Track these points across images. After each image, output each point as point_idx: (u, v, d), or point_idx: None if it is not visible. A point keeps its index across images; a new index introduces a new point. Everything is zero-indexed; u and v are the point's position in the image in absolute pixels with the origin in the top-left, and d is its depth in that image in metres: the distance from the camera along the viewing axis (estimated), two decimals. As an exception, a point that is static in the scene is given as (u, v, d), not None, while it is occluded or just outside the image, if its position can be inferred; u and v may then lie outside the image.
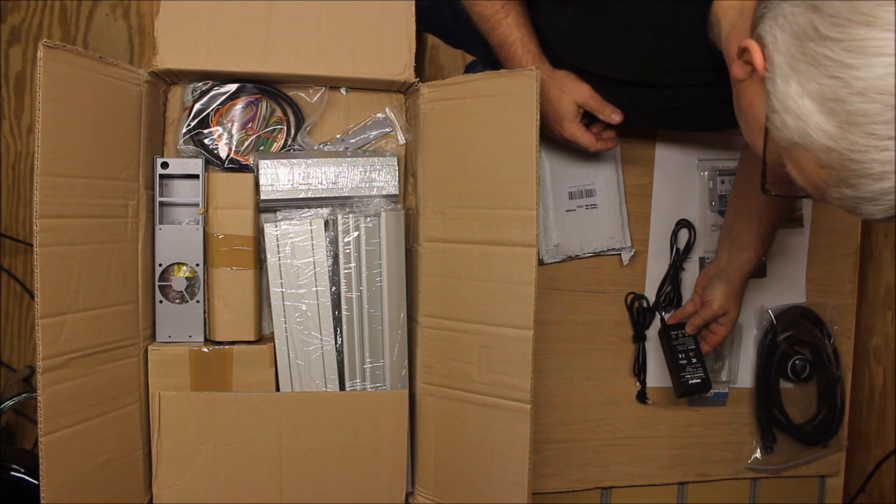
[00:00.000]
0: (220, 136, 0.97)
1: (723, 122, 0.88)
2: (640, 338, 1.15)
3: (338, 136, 1.02)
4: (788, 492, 1.24)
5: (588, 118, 1.00)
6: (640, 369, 1.16)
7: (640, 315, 1.15)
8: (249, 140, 0.99)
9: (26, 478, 1.14)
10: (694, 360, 1.09)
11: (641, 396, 1.16)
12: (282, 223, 0.95)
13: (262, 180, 0.96)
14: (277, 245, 0.95)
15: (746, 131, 0.70)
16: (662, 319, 1.14)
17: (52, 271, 0.80)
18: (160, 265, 0.94)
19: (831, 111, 0.54)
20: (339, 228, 0.96)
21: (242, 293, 0.95)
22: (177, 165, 0.95)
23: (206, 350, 0.94)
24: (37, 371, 0.80)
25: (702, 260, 1.17)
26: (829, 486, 1.26)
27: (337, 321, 0.97)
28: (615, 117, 0.97)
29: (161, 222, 0.94)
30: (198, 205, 0.95)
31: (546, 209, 1.11)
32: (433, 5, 1.11)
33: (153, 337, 0.95)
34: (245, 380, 0.95)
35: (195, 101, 0.97)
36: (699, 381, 1.09)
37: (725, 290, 1.06)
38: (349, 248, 0.96)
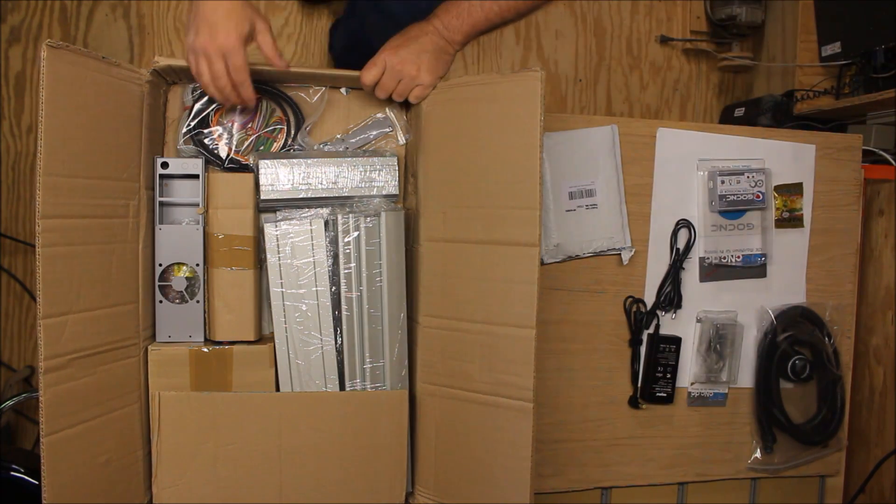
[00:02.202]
0: (220, 136, 0.97)
1: None
2: (636, 342, 1.15)
3: (338, 136, 1.02)
4: (788, 492, 1.24)
5: None
6: (635, 375, 1.16)
7: (637, 319, 1.15)
8: (249, 140, 0.99)
9: (26, 478, 1.14)
10: (668, 376, 1.15)
11: (634, 402, 1.16)
12: (282, 223, 0.95)
13: (262, 180, 0.96)
14: (277, 245, 0.95)
15: None
16: (658, 327, 1.15)
17: (54, 271, 0.80)
18: (160, 265, 0.94)
19: None
20: (339, 228, 0.96)
21: (242, 293, 0.95)
22: (177, 165, 0.95)
23: (206, 350, 0.94)
24: (38, 371, 0.79)
25: (702, 260, 1.17)
26: (829, 486, 1.26)
27: (337, 321, 0.97)
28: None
29: (161, 222, 0.94)
30: (198, 205, 0.95)
31: (546, 209, 1.11)
32: None
33: (153, 337, 0.95)
34: (245, 380, 0.95)
35: (195, 101, 0.97)
36: (665, 395, 1.16)
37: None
38: (349, 248, 0.96)
